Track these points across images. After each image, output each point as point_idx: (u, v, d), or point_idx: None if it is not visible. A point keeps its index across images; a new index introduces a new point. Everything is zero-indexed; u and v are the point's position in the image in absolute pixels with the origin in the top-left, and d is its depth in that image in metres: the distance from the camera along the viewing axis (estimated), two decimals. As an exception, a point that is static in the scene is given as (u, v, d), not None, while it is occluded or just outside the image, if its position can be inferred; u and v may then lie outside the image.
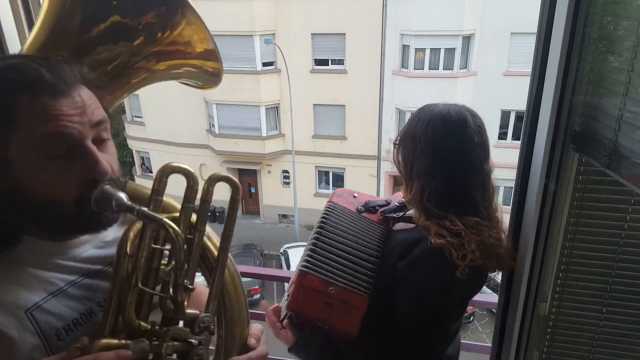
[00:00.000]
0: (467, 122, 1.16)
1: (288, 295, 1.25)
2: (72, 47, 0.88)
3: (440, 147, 1.16)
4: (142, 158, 17.36)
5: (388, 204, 1.41)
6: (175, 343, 0.78)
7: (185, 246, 0.79)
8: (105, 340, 0.73)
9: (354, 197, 1.46)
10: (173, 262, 0.76)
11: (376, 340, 1.21)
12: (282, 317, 1.31)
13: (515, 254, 1.25)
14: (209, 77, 1.05)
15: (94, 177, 0.74)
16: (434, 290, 1.13)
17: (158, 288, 0.79)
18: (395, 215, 1.35)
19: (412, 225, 1.25)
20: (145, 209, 0.73)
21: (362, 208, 1.40)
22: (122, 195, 0.74)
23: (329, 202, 1.41)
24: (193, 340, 0.80)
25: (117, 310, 0.77)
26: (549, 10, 1.07)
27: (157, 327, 0.77)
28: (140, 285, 0.77)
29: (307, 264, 1.21)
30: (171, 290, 0.76)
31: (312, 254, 1.24)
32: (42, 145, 0.70)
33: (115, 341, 0.74)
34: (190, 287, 0.79)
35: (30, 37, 0.88)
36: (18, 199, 0.73)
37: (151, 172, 16.80)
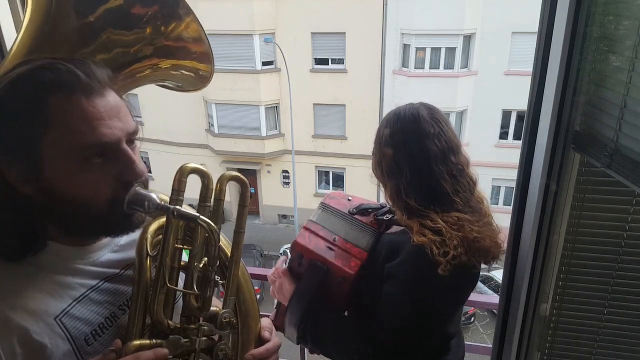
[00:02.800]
0: (420, 115, 1.19)
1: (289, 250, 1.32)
2: (74, 28, 0.85)
3: (398, 142, 1.20)
4: (142, 158, 17.33)
5: (382, 207, 1.41)
6: (204, 339, 0.80)
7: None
8: (137, 342, 0.74)
9: (349, 200, 1.47)
10: (205, 259, 0.78)
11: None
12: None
13: (502, 242, 1.23)
14: (198, 80, 1.03)
15: (129, 179, 0.74)
16: (416, 288, 1.14)
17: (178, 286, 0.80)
18: (385, 217, 1.36)
19: (402, 228, 1.25)
20: (180, 207, 0.74)
21: (355, 210, 1.41)
22: (154, 196, 0.75)
23: (321, 202, 1.44)
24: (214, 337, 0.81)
25: (144, 311, 0.78)
26: (550, 10, 1.07)
27: (186, 325, 0.79)
28: (168, 284, 0.77)
29: (316, 218, 1.36)
30: (202, 286, 0.78)
31: (320, 213, 1.37)
32: (77, 146, 0.69)
33: (148, 341, 0.75)
34: (220, 281, 0.81)
35: (21, 32, 0.85)
36: (48, 203, 0.72)
37: (150, 172, 16.80)
